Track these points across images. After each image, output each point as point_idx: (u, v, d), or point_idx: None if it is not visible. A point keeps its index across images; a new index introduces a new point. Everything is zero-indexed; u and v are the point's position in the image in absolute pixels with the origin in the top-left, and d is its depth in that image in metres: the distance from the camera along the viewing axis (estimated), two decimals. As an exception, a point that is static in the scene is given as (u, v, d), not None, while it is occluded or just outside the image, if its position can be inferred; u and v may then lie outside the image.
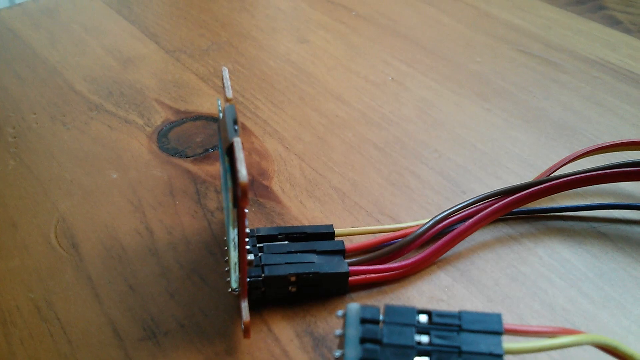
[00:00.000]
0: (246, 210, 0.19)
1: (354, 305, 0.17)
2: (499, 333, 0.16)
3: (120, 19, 0.43)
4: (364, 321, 0.16)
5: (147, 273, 0.24)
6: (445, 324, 0.16)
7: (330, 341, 0.22)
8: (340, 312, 0.17)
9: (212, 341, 0.22)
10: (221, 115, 0.23)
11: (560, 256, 0.25)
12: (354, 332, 0.16)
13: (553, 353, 0.21)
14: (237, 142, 0.19)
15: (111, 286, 0.24)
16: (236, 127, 0.20)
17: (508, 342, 0.16)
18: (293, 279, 0.22)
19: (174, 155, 0.31)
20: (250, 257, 0.20)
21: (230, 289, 0.22)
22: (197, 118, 0.34)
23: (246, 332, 0.21)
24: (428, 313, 0.16)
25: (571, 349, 0.21)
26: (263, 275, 0.22)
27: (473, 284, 0.24)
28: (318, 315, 0.23)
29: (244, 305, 0.21)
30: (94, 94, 0.35)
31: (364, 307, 0.16)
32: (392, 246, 0.24)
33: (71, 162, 0.30)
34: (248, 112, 0.34)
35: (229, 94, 0.22)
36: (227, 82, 0.22)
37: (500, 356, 0.16)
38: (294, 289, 0.23)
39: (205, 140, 0.32)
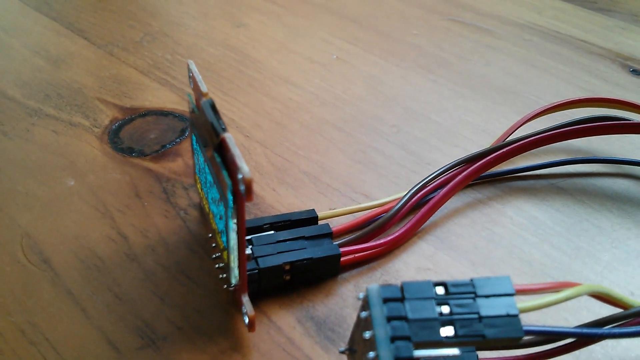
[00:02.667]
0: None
1: (374, 287, 0.17)
2: (511, 294, 0.17)
3: (41, 17, 0.41)
4: (386, 300, 0.17)
5: (131, 279, 0.24)
6: (461, 292, 0.17)
7: (332, 323, 0.22)
8: (361, 295, 0.17)
9: (214, 340, 0.22)
10: (195, 109, 0.23)
11: (528, 214, 0.27)
12: (379, 312, 0.16)
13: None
14: (229, 137, 0.19)
15: (95, 298, 0.23)
16: (221, 122, 0.20)
17: (520, 302, 0.17)
18: (287, 267, 0.22)
19: (130, 155, 0.30)
20: (248, 251, 0.20)
21: (227, 286, 0.22)
22: (147, 114, 0.33)
23: (251, 326, 0.21)
24: (444, 285, 0.17)
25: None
26: (258, 267, 0.22)
27: (454, 250, 0.25)
28: (314, 300, 0.23)
29: (246, 299, 0.21)
30: (30, 98, 0.33)
31: (384, 287, 0.17)
32: (375, 223, 0.25)
33: (21, 174, 0.28)
34: (200, 103, 0.33)
35: (204, 87, 0.21)
36: (198, 76, 0.22)
37: (516, 316, 0.17)
38: (288, 278, 0.23)
39: (160, 136, 0.31)
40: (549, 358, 0.19)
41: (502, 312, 0.17)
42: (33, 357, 0.21)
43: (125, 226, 0.26)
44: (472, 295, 0.17)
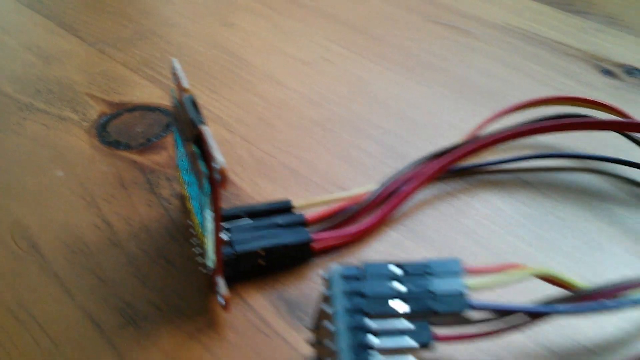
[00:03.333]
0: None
1: (336, 266, 0.18)
2: (460, 274, 0.18)
3: (34, 14, 0.42)
4: (346, 278, 0.18)
5: (114, 263, 0.25)
6: (415, 272, 0.18)
7: (303, 304, 0.23)
8: (323, 273, 0.18)
9: (192, 319, 0.23)
10: (177, 103, 0.24)
11: (494, 206, 0.28)
12: (340, 289, 0.18)
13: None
14: (206, 130, 0.20)
15: (80, 280, 0.24)
16: (200, 116, 0.21)
17: (469, 281, 0.18)
18: (262, 252, 0.24)
19: (117, 147, 0.31)
20: (224, 237, 0.22)
21: (204, 269, 0.23)
22: (134, 109, 0.34)
23: (226, 306, 0.22)
24: (400, 265, 0.18)
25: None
26: (234, 252, 0.23)
27: (421, 238, 0.26)
28: (287, 283, 0.24)
29: (221, 281, 0.22)
30: (21, 93, 0.35)
31: (345, 267, 0.18)
32: (347, 212, 0.26)
33: (13, 166, 0.30)
34: (186, 99, 0.34)
35: (185, 84, 0.22)
36: (181, 73, 0.23)
37: (464, 293, 0.18)
38: (263, 262, 0.24)
39: (146, 130, 0.32)
40: (501, 334, 0.20)
41: (451, 289, 0.18)
42: (20, 334, 0.22)
43: (110, 214, 0.27)
44: (426, 275, 0.18)
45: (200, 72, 0.37)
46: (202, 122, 0.20)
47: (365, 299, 0.18)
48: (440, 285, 0.18)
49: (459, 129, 0.32)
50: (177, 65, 0.23)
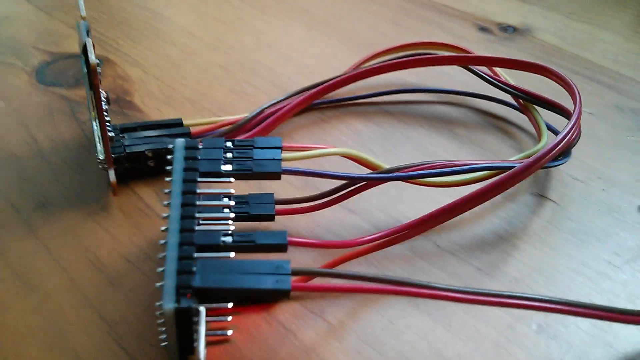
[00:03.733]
0: (102, 93, 0.26)
1: (180, 140, 0.24)
2: (279, 148, 0.24)
3: (-8, -17, 0.48)
4: (187, 148, 0.24)
5: (36, 169, 0.31)
6: (243, 145, 0.24)
7: (181, 194, 0.29)
8: (170, 145, 0.24)
9: (89, 205, 0.29)
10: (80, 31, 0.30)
11: (355, 128, 0.34)
12: (180, 155, 0.24)
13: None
14: (89, 41, 0.26)
15: (5, 179, 0.30)
16: (89, 34, 0.27)
17: (285, 154, 0.24)
18: (149, 154, 0.30)
19: (50, 86, 0.37)
20: (111, 134, 0.28)
21: (100, 165, 0.29)
22: (69, 57, 0.40)
23: (115, 191, 0.28)
24: (232, 140, 0.24)
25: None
26: (125, 152, 0.29)
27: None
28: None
29: (111, 172, 0.28)
30: (-26, 45, 0.41)
31: (187, 140, 0.24)
32: (227, 128, 0.32)
33: (-40, 97, 0.36)
34: (111, 48, 0.40)
35: (83, 12, 0.28)
36: (81, 4, 0.29)
37: (279, 160, 0.24)
38: (152, 163, 0.30)
39: (77, 72, 0.38)
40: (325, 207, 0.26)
41: (269, 156, 0.24)
42: (-48, 212, 0.28)
43: (38, 134, 0.33)
44: (251, 147, 0.24)
45: (126, 26, 0.43)
46: (88, 36, 0.26)
47: (199, 161, 0.24)
48: (261, 154, 0.24)
49: (338, 71, 0.38)
50: (81, 1, 0.29)
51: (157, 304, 0.20)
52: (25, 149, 0.32)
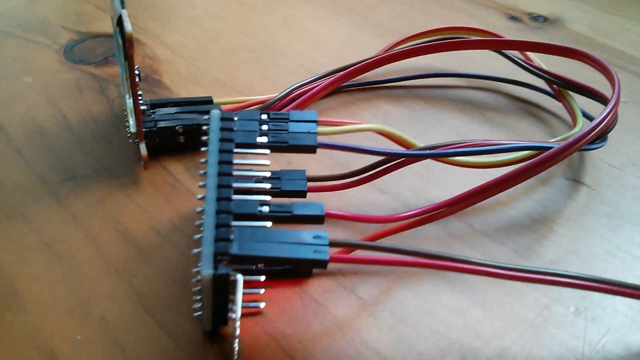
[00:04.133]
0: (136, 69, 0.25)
1: (215, 111, 0.24)
2: (314, 121, 0.24)
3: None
4: (223, 119, 0.24)
5: (65, 142, 0.31)
6: (279, 118, 0.24)
7: (211, 170, 0.29)
8: (206, 116, 0.24)
9: (120, 178, 0.29)
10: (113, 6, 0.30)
11: (384, 110, 0.34)
12: (216, 125, 0.23)
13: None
14: (124, 13, 0.26)
15: (35, 151, 0.30)
16: (123, 6, 0.27)
17: (321, 128, 0.24)
18: (180, 130, 0.29)
19: (79, 63, 0.37)
20: (143, 107, 0.27)
21: (132, 140, 0.29)
22: (97, 36, 0.40)
23: (145, 165, 0.28)
24: (267, 113, 0.24)
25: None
26: (156, 127, 0.29)
27: (320, 132, 0.32)
28: (201, 154, 0.30)
29: (142, 145, 0.28)
30: (6, 26, 0.41)
31: (223, 112, 0.24)
32: (260, 106, 0.32)
33: (-10, 72, 0.36)
34: (140, 29, 0.40)
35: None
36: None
37: (315, 133, 0.24)
38: (182, 140, 0.30)
39: (106, 51, 0.38)
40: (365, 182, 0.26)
41: (305, 129, 0.24)
42: (-18, 182, 0.28)
43: (66, 109, 0.33)
44: (287, 120, 0.24)
45: (156, 9, 0.43)
46: (123, 7, 0.26)
47: (234, 132, 0.23)
48: (296, 127, 0.24)
49: (365, 57, 0.38)
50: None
51: (194, 270, 0.20)
52: (54, 124, 0.32)
